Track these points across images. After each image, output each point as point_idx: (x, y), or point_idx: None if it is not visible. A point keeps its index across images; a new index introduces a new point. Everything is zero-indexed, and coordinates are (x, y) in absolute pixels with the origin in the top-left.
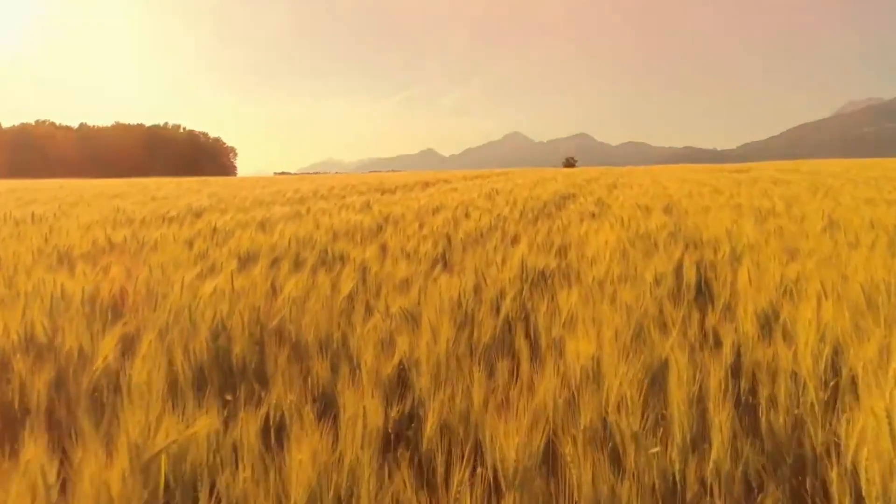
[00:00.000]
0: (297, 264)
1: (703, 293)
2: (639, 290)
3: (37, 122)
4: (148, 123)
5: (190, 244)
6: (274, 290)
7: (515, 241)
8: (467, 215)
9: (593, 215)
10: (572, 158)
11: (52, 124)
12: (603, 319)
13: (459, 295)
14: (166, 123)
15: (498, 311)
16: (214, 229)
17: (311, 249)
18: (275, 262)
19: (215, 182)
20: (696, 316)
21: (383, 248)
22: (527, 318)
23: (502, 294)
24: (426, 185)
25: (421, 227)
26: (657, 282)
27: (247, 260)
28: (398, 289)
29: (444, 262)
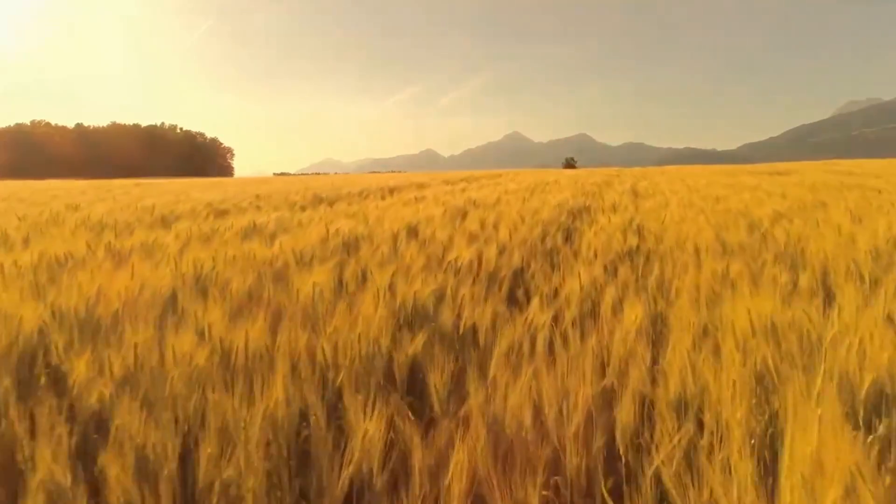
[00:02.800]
0: None
1: None
2: None
3: (32, 122)
4: (144, 124)
5: None
6: None
7: (458, 419)
8: (383, 264)
9: (635, 263)
10: (572, 159)
11: (48, 124)
12: None
13: None
14: (163, 123)
15: None
16: None
17: None
18: None
19: (147, 186)
20: None
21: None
22: None
23: None
24: (391, 191)
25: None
26: None
27: None
28: None
29: None
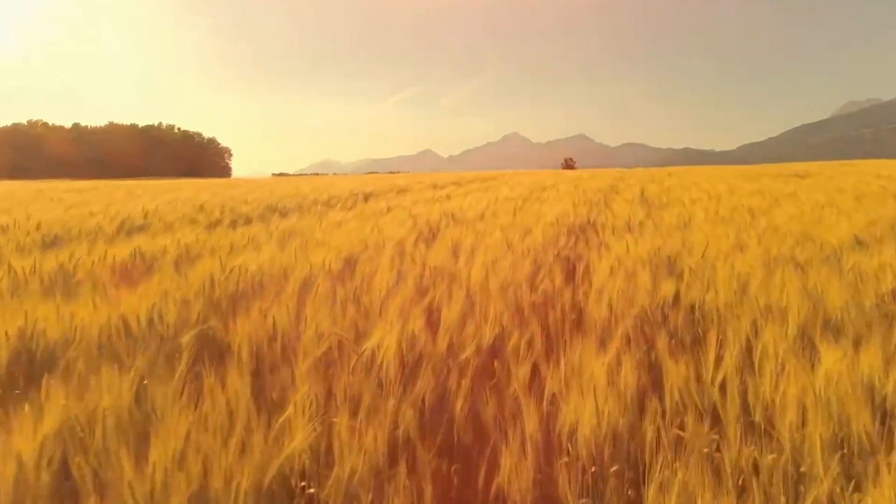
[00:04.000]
0: None
1: None
2: None
3: (29, 122)
4: (142, 124)
5: None
6: None
7: None
8: (257, 353)
9: (679, 336)
10: (571, 159)
11: (45, 124)
12: None
13: None
14: (160, 123)
15: None
16: None
17: None
18: None
19: (96, 191)
20: None
21: None
22: None
23: None
24: (365, 198)
25: None
26: None
27: None
28: None
29: None
